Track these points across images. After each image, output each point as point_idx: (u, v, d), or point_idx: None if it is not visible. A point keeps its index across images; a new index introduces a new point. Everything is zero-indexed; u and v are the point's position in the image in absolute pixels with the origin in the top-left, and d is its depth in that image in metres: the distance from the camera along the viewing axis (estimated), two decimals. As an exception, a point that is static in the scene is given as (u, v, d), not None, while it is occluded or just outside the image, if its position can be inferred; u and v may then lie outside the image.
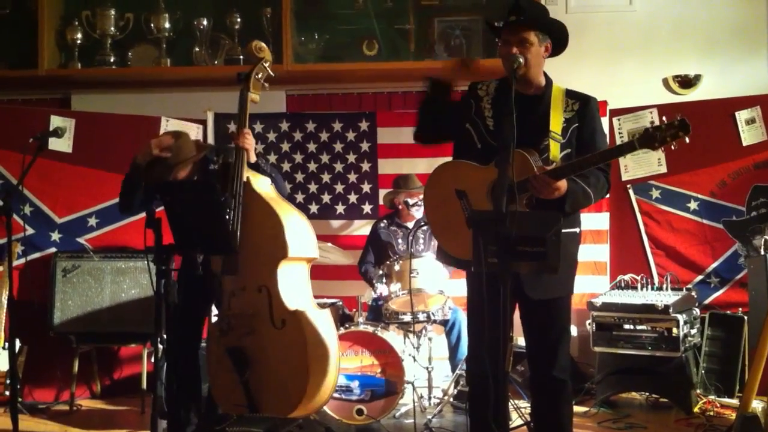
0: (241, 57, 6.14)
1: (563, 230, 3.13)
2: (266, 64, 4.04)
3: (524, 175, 3.00)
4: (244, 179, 3.89)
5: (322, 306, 4.15)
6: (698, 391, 5.07)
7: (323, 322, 3.90)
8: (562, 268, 3.12)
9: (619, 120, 5.79)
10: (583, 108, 3.22)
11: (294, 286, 3.89)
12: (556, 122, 3.18)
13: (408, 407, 4.85)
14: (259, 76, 4.02)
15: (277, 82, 4.26)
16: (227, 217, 3.75)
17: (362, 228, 6.10)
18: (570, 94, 3.26)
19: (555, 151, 3.14)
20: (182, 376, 3.86)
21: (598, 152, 3.08)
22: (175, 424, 3.83)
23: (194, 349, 4.05)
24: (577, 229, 3.30)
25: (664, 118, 2.94)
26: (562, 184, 3.03)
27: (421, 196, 5.42)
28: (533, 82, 3.24)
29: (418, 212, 5.52)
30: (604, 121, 5.62)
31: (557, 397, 3.28)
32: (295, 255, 3.85)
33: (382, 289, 4.96)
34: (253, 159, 4.00)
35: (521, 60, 3.09)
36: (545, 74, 3.30)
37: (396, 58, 6.27)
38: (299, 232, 3.91)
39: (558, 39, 3.26)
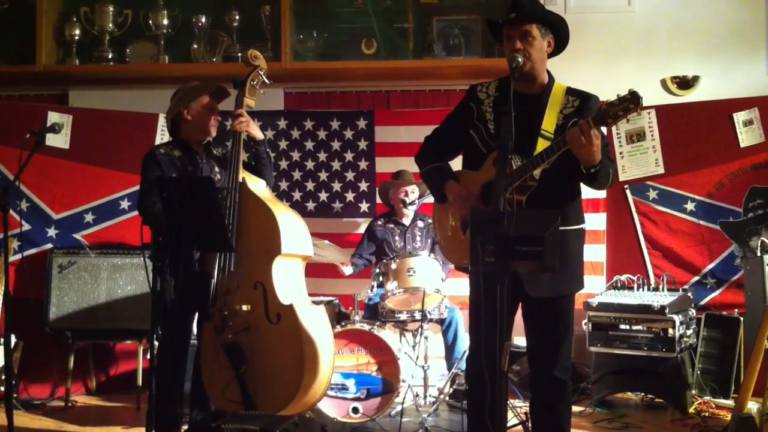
0: (239, 54, 6.14)
1: (569, 227, 3.15)
2: (261, 72, 4.19)
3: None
4: (240, 180, 3.95)
5: (317, 303, 4.18)
6: (694, 391, 5.08)
7: (318, 318, 3.94)
8: (569, 266, 3.13)
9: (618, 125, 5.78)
10: (584, 104, 3.19)
11: (289, 283, 3.92)
12: (550, 121, 3.16)
13: (404, 406, 4.85)
14: (254, 82, 4.19)
15: (275, 80, 4.31)
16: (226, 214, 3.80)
17: (359, 226, 6.10)
18: (571, 92, 3.24)
19: (542, 149, 3.12)
20: (175, 372, 3.87)
21: (561, 137, 3.00)
22: (169, 420, 3.83)
23: (185, 347, 4.05)
24: (582, 225, 3.28)
25: (618, 94, 2.90)
26: (596, 140, 2.92)
27: (411, 189, 5.47)
28: (537, 79, 3.21)
29: (411, 209, 5.53)
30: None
31: (556, 398, 3.26)
32: (289, 251, 3.90)
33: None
34: (260, 135, 4.15)
35: (520, 59, 3.08)
36: (548, 72, 3.27)
37: (395, 57, 6.27)
38: (294, 229, 3.96)
39: (559, 34, 3.24)
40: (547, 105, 3.18)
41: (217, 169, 4.16)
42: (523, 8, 3.14)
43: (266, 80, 4.23)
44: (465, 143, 3.34)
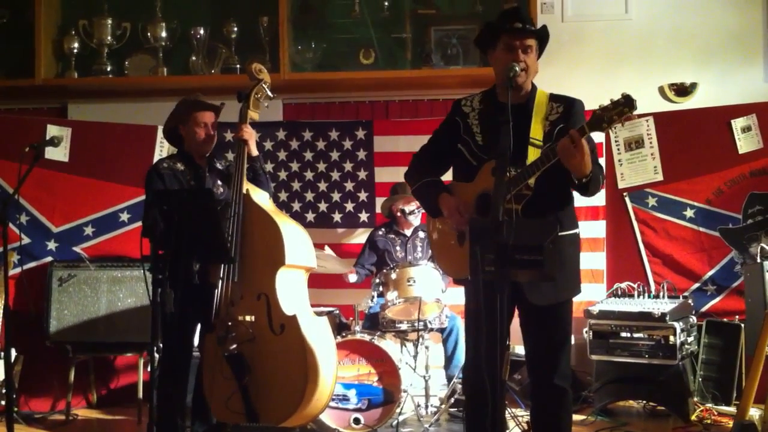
0: (238, 66, 6.17)
1: (564, 233, 3.15)
2: (266, 86, 4.25)
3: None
4: (244, 191, 3.98)
5: (318, 314, 4.18)
6: (695, 399, 5.07)
7: (321, 329, 3.96)
8: (565, 271, 3.13)
9: (614, 128, 5.78)
10: (569, 109, 3.21)
11: (292, 294, 3.94)
12: (537, 129, 3.17)
13: (405, 416, 4.84)
14: (258, 96, 4.25)
15: (274, 91, 4.34)
16: (226, 225, 3.83)
17: (359, 236, 6.10)
18: (554, 98, 3.26)
19: (534, 157, 3.12)
20: (176, 384, 3.88)
21: (552, 145, 3.01)
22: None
23: (187, 358, 4.05)
24: (576, 230, 3.28)
25: (612, 98, 2.90)
26: (586, 149, 2.94)
27: (418, 203, 5.47)
28: (524, 89, 3.23)
29: (415, 220, 5.54)
30: (600, 130, 5.63)
31: (557, 405, 3.25)
32: (293, 263, 3.92)
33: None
34: (254, 152, 4.16)
35: (518, 69, 3.09)
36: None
37: (393, 67, 6.28)
38: (298, 241, 3.98)
39: (542, 51, 3.28)
40: (532, 113, 3.19)
41: (219, 182, 4.18)
42: (527, 20, 3.16)
43: (270, 94, 4.28)
44: (453, 158, 3.35)
